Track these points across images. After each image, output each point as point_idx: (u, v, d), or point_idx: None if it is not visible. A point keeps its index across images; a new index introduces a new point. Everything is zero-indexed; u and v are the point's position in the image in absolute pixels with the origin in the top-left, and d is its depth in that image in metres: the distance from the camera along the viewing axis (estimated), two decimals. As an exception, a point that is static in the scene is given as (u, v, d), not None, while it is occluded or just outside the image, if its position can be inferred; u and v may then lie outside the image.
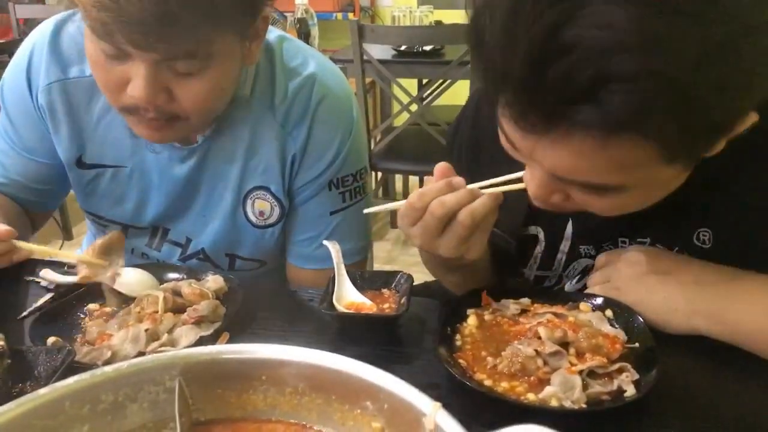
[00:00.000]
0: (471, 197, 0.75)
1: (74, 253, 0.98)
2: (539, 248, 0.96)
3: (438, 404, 0.43)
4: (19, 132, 1.08)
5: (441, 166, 0.79)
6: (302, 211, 1.11)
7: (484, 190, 0.77)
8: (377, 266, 2.96)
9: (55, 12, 1.07)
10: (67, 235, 3.05)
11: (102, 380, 0.48)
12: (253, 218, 1.10)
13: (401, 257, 3.22)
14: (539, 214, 0.87)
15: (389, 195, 3.50)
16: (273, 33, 1.08)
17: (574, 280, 0.96)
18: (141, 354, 0.75)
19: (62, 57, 1.03)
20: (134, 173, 1.08)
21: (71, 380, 0.47)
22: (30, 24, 3.04)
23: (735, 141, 0.66)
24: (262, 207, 1.09)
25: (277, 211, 1.10)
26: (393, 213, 3.54)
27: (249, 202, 1.09)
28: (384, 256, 3.21)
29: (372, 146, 2.73)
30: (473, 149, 0.99)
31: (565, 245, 0.94)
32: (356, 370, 0.48)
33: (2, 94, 1.09)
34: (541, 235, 0.95)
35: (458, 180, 0.77)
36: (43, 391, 0.46)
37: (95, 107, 1.04)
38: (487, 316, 0.81)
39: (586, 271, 0.92)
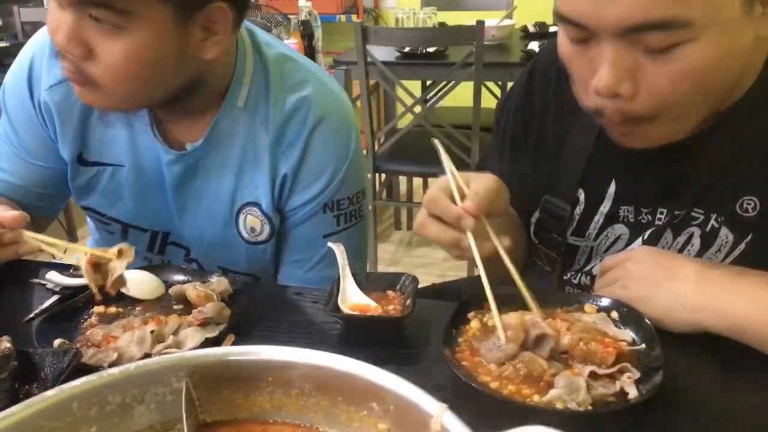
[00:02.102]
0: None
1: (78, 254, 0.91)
2: (578, 210, 0.96)
3: (444, 406, 0.43)
4: (20, 136, 1.09)
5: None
6: (295, 233, 1.10)
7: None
8: (381, 268, 2.96)
9: None
10: (72, 238, 3.06)
11: (109, 382, 0.48)
12: (245, 234, 1.09)
13: (405, 259, 3.22)
14: (585, 175, 0.94)
15: (393, 197, 3.50)
16: (274, 49, 1.06)
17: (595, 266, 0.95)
18: (147, 356, 0.75)
19: None
20: (131, 172, 1.08)
21: (78, 382, 0.47)
22: (35, 26, 3.04)
23: None
24: (253, 223, 1.08)
25: (267, 228, 1.08)
26: (397, 215, 3.55)
27: (242, 217, 1.08)
28: (388, 257, 3.21)
29: (375, 148, 2.73)
30: (523, 114, 1.03)
31: (605, 206, 0.94)
32: (362, 371, 0.48)
33: (4, 99, 1.10)
34: (582, 197, 0.96)
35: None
36: (50, 392, 0.46)
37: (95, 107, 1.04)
38: (489, 321, 0.81)
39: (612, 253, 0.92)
